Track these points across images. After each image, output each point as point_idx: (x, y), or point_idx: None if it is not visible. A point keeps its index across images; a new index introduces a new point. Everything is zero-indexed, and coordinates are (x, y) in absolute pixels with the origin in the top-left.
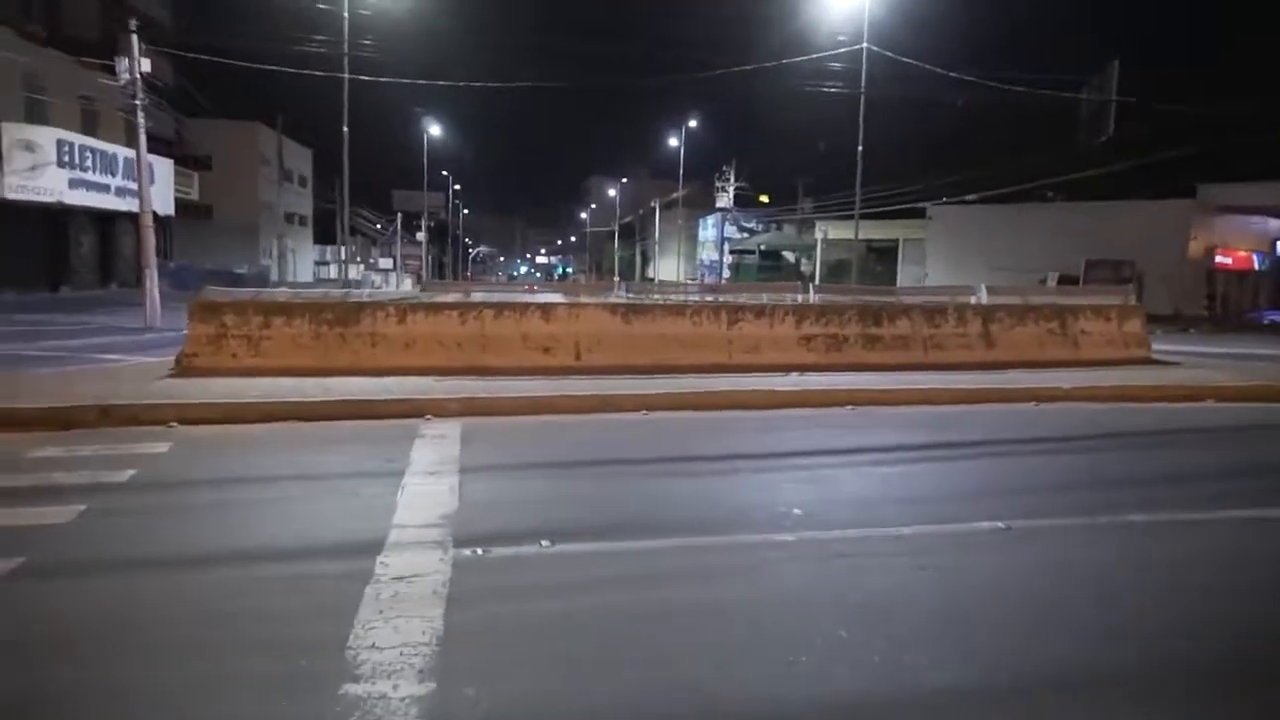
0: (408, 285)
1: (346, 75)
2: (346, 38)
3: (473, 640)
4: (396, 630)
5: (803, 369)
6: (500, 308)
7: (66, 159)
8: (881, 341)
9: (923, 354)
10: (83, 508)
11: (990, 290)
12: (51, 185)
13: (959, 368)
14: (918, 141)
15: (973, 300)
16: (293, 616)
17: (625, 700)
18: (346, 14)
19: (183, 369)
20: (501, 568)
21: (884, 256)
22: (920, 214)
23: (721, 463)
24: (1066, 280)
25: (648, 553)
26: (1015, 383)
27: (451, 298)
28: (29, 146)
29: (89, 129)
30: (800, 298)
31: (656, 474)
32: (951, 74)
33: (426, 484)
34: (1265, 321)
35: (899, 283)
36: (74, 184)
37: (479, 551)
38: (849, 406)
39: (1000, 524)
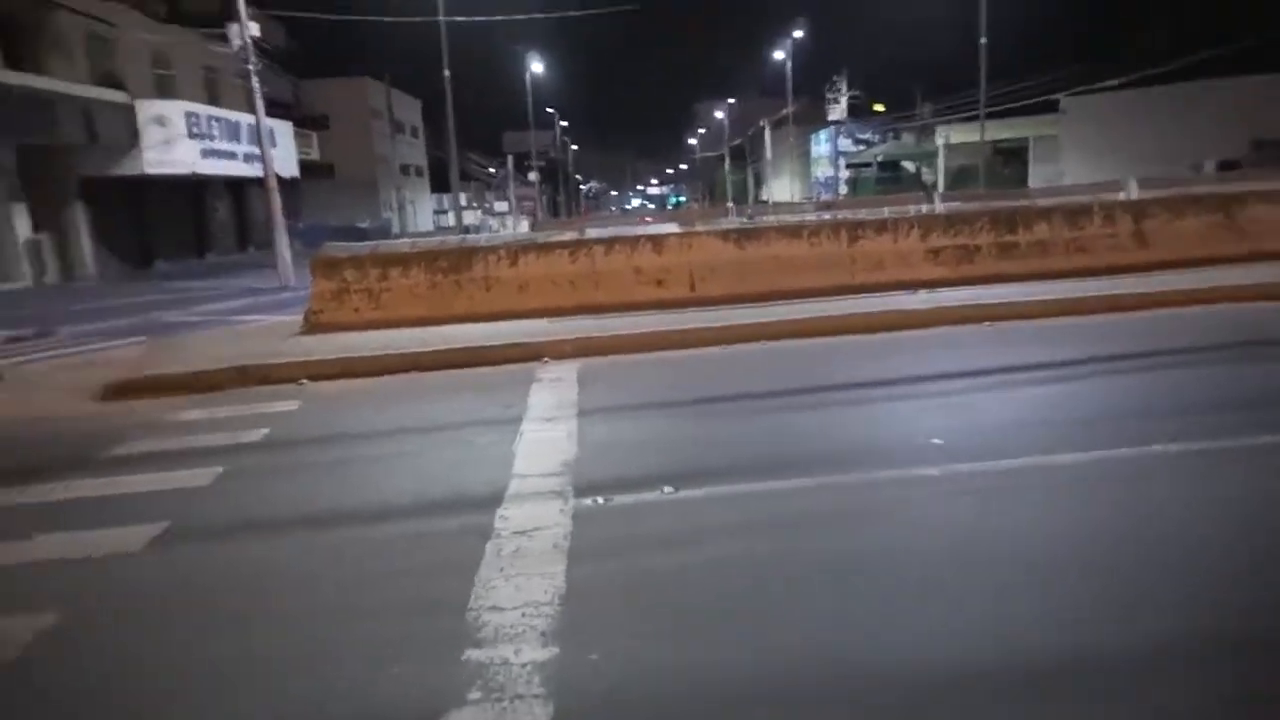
0: (524, 227)
1: (442, 18)
2: None
3: (596, 599)
4: (518, 589)
5: (932, 285)
6: (610, 243)
7: (196, 130)
8: (1017, 249)
9: (1065, 260)
10: (220, 470)
11: (1141, 183)
12: (185, 157)
13: (1108, 272)
14: (1047, 27)
15: (1120, 197)
16: (416, 576)
17: (756, 668)
18: None
19: (310, 326)
20: (623, 517)
21: (1012, 158)
22: (1053, 108)
23: (850, 391)
24: (1228, 167)
25: (776, 494)
26: (1173, 284)
27: (566, 236)
28: (161, 121)
29: (213, 99)
30: (925, 208)
31: (781, 408)
32: None
33: (544, 430)
34: None
35: (1030, 185)
36: (205, 153)
37: (599, 500)
38: (985, 323)
39: (1171, 446)
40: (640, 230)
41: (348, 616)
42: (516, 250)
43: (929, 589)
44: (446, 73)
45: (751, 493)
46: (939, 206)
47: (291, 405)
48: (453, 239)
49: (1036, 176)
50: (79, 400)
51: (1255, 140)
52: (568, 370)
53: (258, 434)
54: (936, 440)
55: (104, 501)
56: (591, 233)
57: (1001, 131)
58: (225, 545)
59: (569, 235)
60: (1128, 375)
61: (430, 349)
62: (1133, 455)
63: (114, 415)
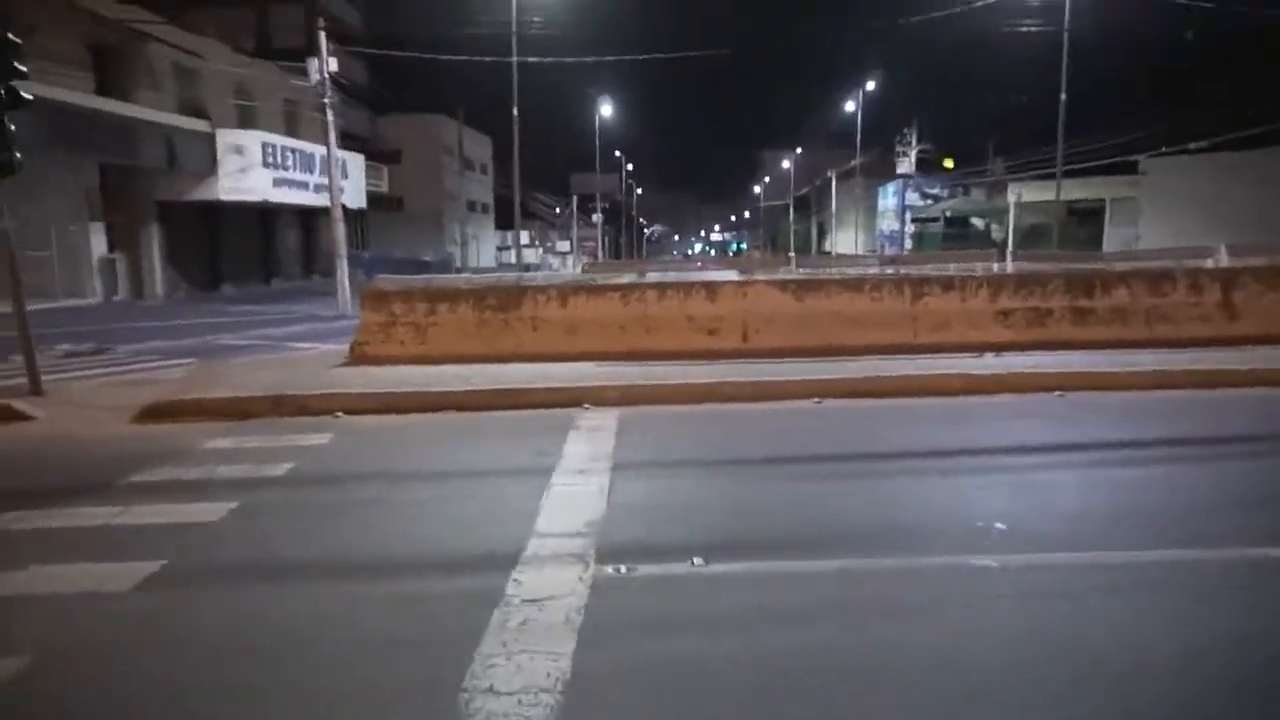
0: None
1: (515, 59)
2: (514, 22)
3: (601, 688)
4: (519, 669)
5: (1000, 348)
6: (663, 288)
7: (270, 160)
8: (1094, 315)
9: (1146, 329)
10: (234, 505)
11: (1231, 251)
12: (257, 185)
13: (1193, 344)
14: (1127, 85)
15: (1208, 264)
16: (413, 646)
17: None
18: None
19: (355, 357)
20: (645, 591)
21: (1087, 219)
22: (1131, 169)
23: (906, 461)
24: None
25: (815, 576)
26: (1270, 361)
27: (625, 278)
28: (238, 150)
29: (291, 130)
30: (995, 266)
31: (830, 474)
32: None
33: (575, 483)
34: None
35: (1105, 247)
36: (277, 183)
37: (622, 569)
38: (1058, 392)
39: (1273, 551)
40: (694, 276)
41: (331, 695)
42: (567, 292)
43: (976, 702)
44: (515, 112)
45: (788, 573)
46: (1010, 266)
47: (323, 439)
48: (510, 276)
49: (1113, 239)
50: (114, 421)
51: None
52: (608, 418)
53: (282, 468)
54: (999, 525)
55: (106, 533)
56: (651, 275)
57: (1077, 191)
58: (216, 593)
59: (626, 278)
60: (1217, 462)
61: (470, 388)
62: (1223, 558)
63: (144, 439)
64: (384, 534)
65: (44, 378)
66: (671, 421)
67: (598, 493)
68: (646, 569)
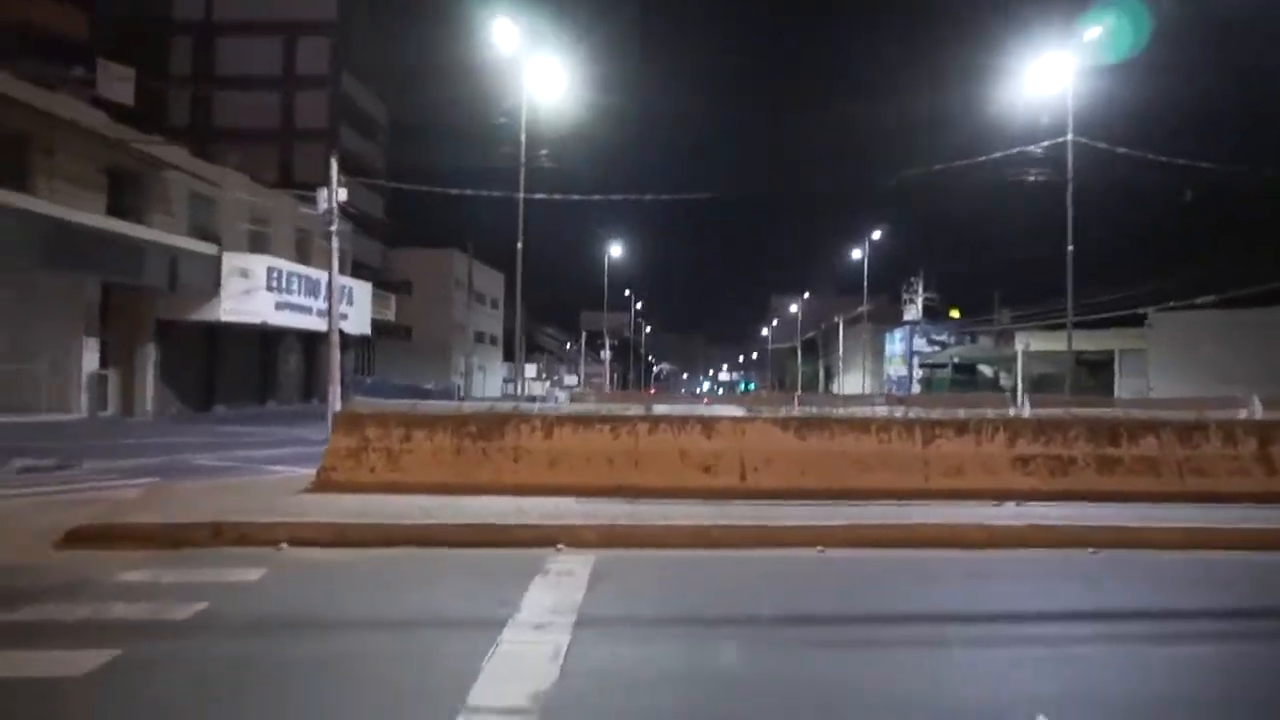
0: (562, 396)
1: (522, 195)
2: (523, 159)
3: None
4: None
5: (1020, 497)
6: (655, 421)
7: (275, 284)
8: (1120, 464)
9: (1178, 481)
10: (109, 657)
11: (1266, 403)
12: (259, 308)
13: (1229, 499)
14: (1134, 240)
15: (1242, 415)
16: None
17: None
18: (524, 136)
19: (320, 483)
20: None
21: (1096, 370)
22: (1139, 321)
23: (919, 626)
24: None
25: None
26: None
27: (624, 410)
28: (244, 273)
29: (302, 257)
30: (1011, 412)
31: (831, 642)
32: (1175, 160)
33: (527, 641)
34: None
35: (1117, 396)
36: (279, 306)
37: None
38: (1089, 549)
39: None
40: (697, 411)
41: None
42: (551, 421)
43: None
44: (520, 245)
45: None
46: (1026, 411)
47: (254, 574)
48: (505, 405)
49: (1124, 389)
50: (35, 546)
51: None
52: (582, 562)
53: (190, 610)
54: (1041, 718)
55: None
56: (658, 409)
57: (1086, 343)
58: None
59: (633, 410)
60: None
61: (436, 522)
62: None
63: (54, 567)
64: (273, 707)
65: None
66: (655, 567)
67: (551, 656)
68: None
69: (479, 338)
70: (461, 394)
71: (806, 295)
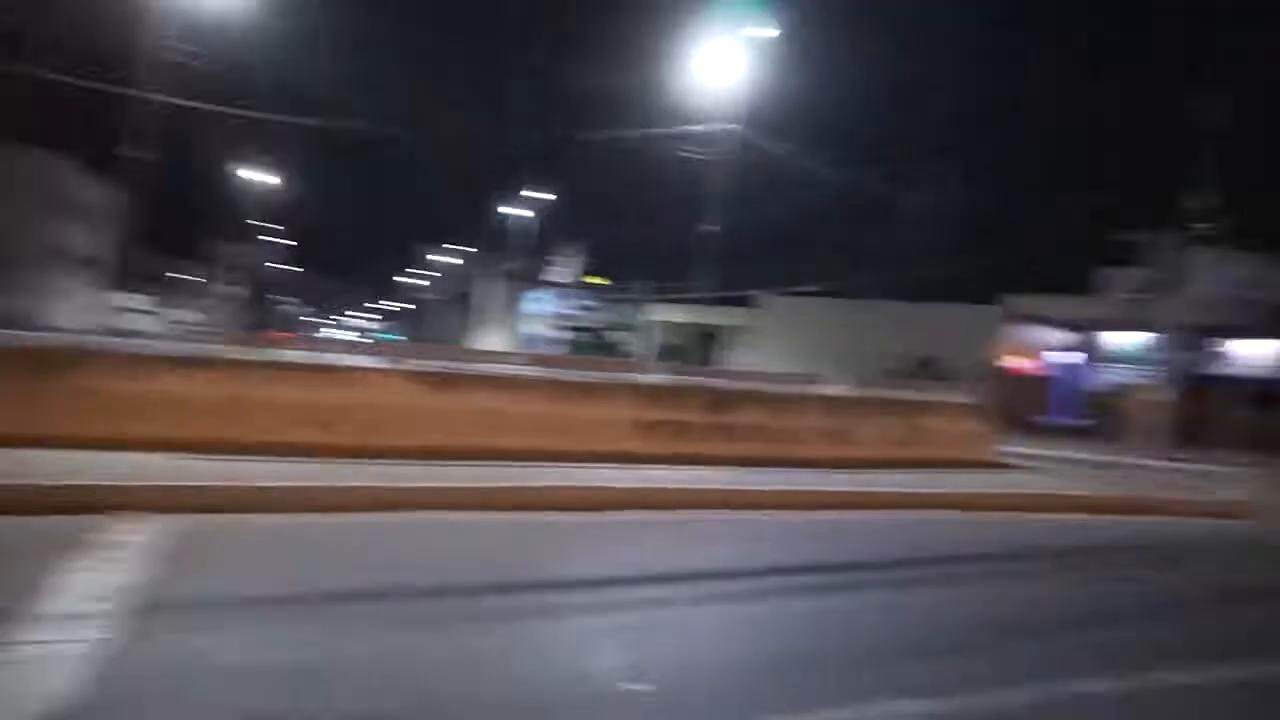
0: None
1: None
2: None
3: None
4: None
5: (640, 460)
6: (268, 367)
7: None
8: (734, 431)
9: (774, 447)
10: None
11: (850, 382)
12: None
13: (812, 464)
14: (760, 228)
15: (827, 392)
16: None
17: None
18: None
19: None
20: None
21: (709, 340)
22: (752, 302)
23: (533, 595)
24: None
25: None
26: (880, 485)
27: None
28: None
29: None
30: (640, 378)
31: (429, 617)
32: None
33: (47, 640)
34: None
35: (730, 367)
36: None
37: None
38: (700, 509)
39: (927, 703)
40: (313, 358)
41: None
42: (139, 362)
43: None
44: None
45: None
46: (654, 377)
47: None
48: (92, 340)
49: (734, 361)
50: None
51: (921, 358)
52: (144, 532)
53: None
54: (640, 686)
55: None
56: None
57: (712, 317)
58: None
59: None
60: (867, 591)
61: None
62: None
63: None
64: None
65: None
66: (235, 537)
67: (77, 660)
68: None
69: (83, 262)
70: (36, 323)
71: (453, 247)
